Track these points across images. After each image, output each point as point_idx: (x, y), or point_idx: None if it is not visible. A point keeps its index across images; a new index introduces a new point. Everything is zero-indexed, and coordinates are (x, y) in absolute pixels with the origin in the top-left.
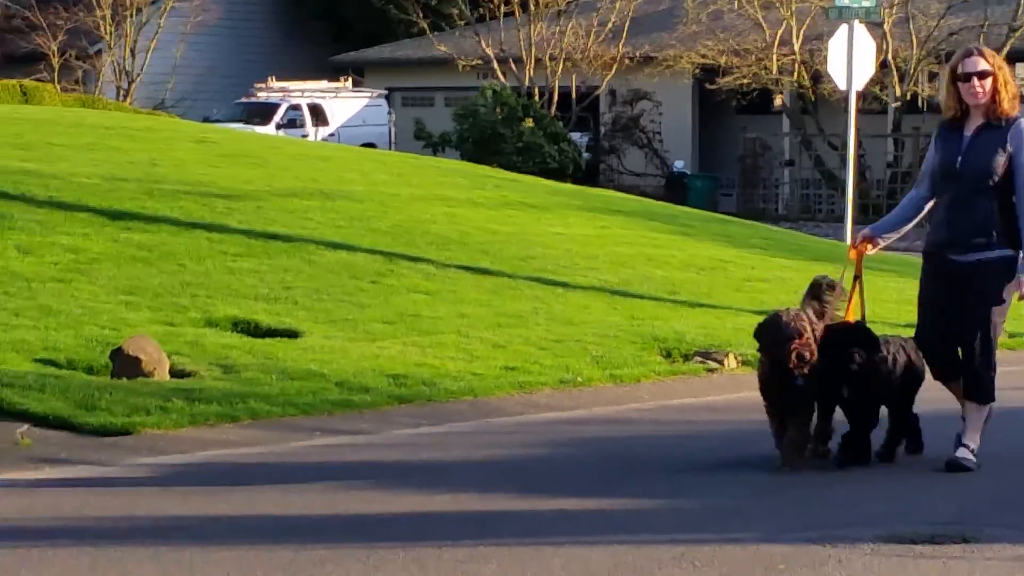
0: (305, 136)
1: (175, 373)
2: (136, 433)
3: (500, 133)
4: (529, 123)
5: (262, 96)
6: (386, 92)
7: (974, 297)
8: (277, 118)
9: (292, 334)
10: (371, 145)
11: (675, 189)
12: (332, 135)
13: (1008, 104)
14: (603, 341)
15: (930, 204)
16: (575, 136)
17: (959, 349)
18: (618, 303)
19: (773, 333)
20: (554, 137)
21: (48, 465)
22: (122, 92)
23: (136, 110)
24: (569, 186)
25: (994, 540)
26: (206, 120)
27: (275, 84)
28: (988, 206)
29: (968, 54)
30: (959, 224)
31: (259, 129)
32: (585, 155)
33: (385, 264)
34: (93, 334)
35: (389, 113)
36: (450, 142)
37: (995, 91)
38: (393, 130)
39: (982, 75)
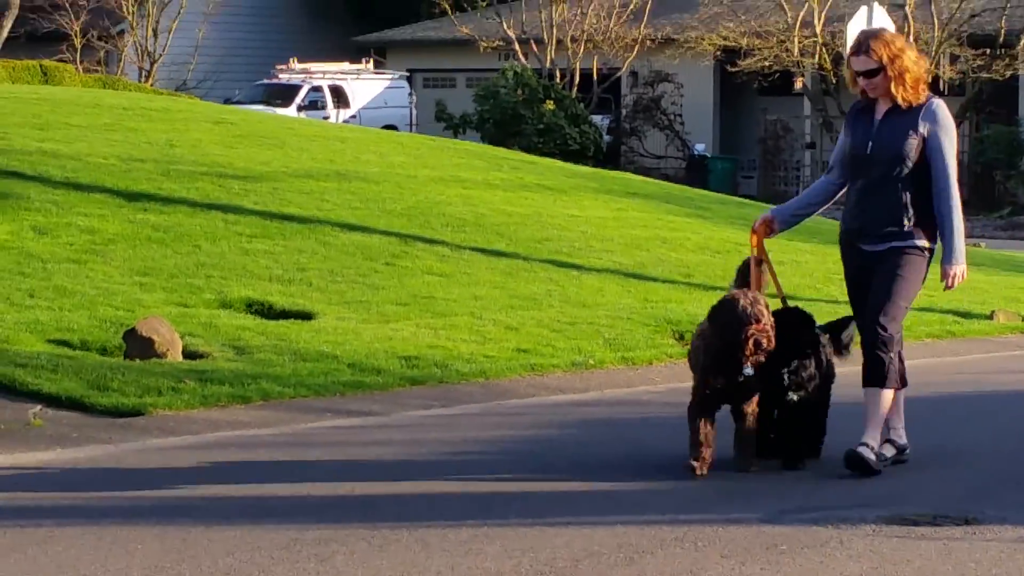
0: (326, 118)
1: (188, 354)
2: (148, 414)
3: (521, 114)
4: (550, 105)
5: (283, 78)
6: (407, 74)
7: (877, 277)
8: (298, 100)
9: (306, 316)
10: (392, 127)
11: (696, 171)
12: (353, 117)
13: (909, 94)
14: (616, 323)
15: (841, 192)
16: (596, 118)
17: None
18: (632, 286)
19: (730, 315)
20: (575, 119)
21: (60, 445)
22: (144, 73)
23: (157, 91)
24: (586, 168)
25: (996, 521)
26: (227, 101)
27: (297, 66)
28: (900, 193)
29: (855, 50)
30: (871, 212)
31: (280, 111)
32: (606, 137)
33: (400, 246)
34: (107, 315)
35: (410, 95)
36: (471, 124)
37: (888, 85)
38: (414, 112)
39: (869, 74)
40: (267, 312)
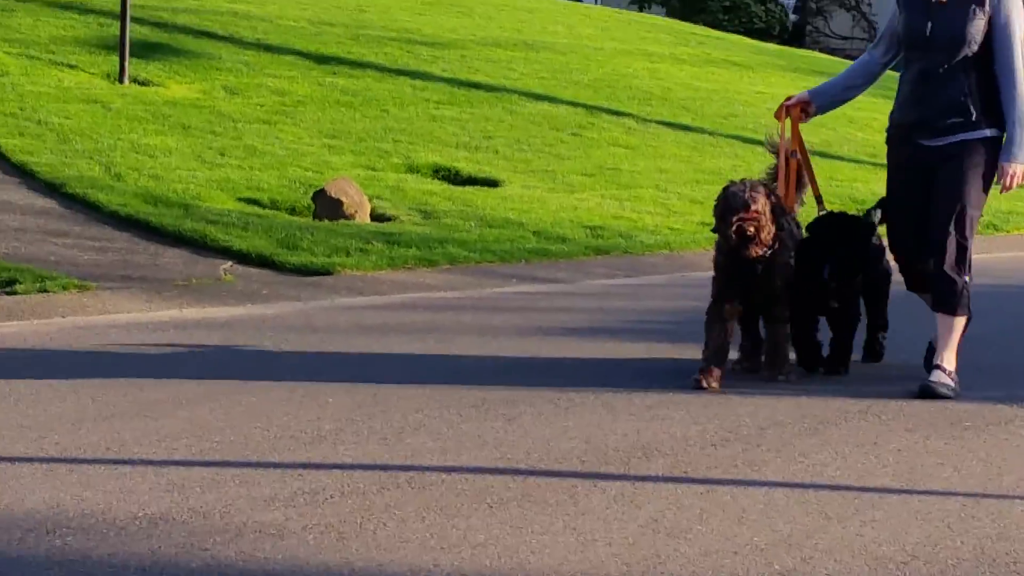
0: None
1: (375, 216)
2: (336, 273)
3: None
4: None
5: None
6: None
7: (945, 182)
8: None
9: (492, 183)
10: None
11: None
12: None
13: None
14: None
15: (884, 71)
16: None
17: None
18: (818, 164)
19: (720, 202)
20: None
21: (249, 301)
22: None
23: None
24: (773, 46)
25: None
26: None
27: None
28: (966, 80)
29: None
30: (931, 101)
31: None
32: (792, 16)
33: (586, 117)
34: (296, 175)
35: None
36: None
37: None
38: None
39: None
40: (453, 178)
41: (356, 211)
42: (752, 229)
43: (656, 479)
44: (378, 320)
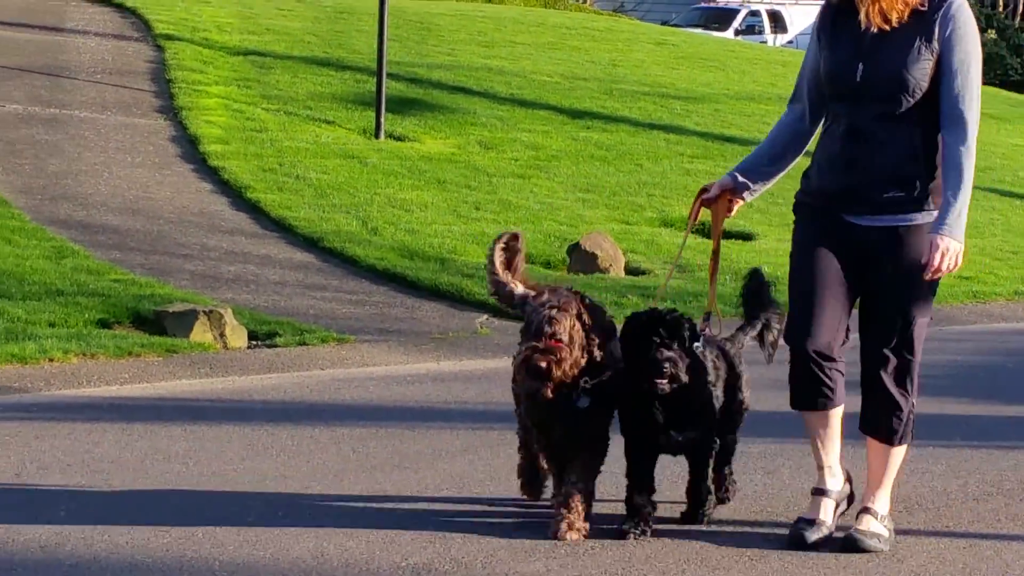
0: (763, 42)
1: (629, 270)
2: None
3: None
4: (991, 34)
5: (721, 1)
6: None
7: (885, 286)
8: (736, 24)
9: (746, 236)
10: None
11: None
12: (790, 42)
13: None
14: None
15: (815, 131)
16: None
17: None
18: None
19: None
20: (1017, 49)
21: (506, 354)
22: None
23: (597, 11)
24: None
25: None
26: (664, 24)
27: None
28: (910, 140)
29: None
30: (864, 166)
31: (717, 34)
32: None
33: None
34: (551, 229)
35: None
36: None
37: None
38: None
39: None
40: (708, 232)
41: (611, 265)
42: (545, 363)
43: (918, 533)
44: None
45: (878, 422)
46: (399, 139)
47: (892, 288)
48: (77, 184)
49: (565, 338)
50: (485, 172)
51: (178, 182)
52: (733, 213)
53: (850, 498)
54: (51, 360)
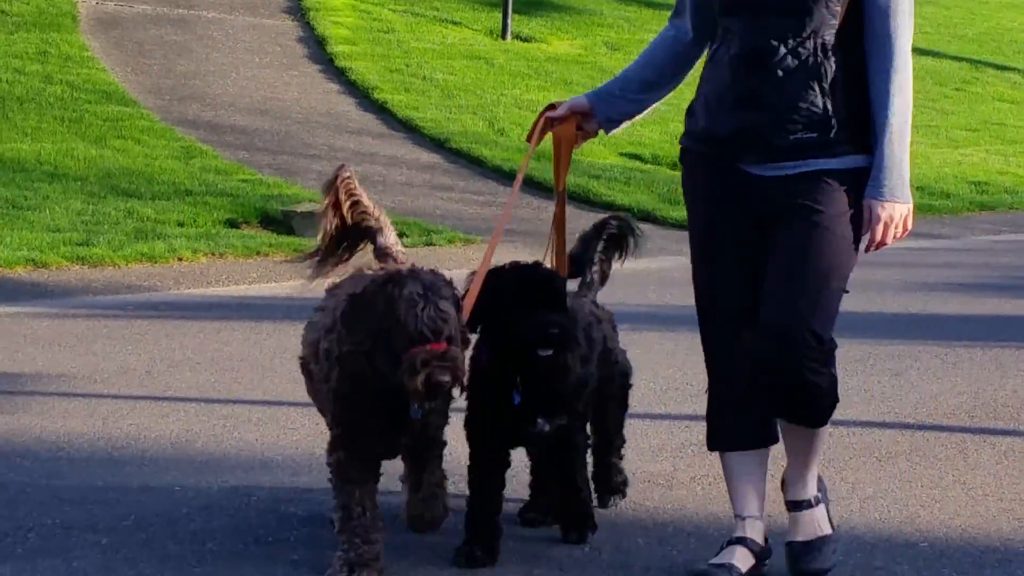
0: None
1: None
2: None
3: None
4: None
5: None
6: None
7: (793, 246)
8: None
9: None
10: None
11: None
12: None
13: None
14: None
15: (702, 54)
16: None
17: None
18: None
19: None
20: None
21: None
22: None
23: None
24: None
25: None
26: None
27: None
28: (822, 72)
29: None
30: (764, 102)
31: None
32: None
33: (971, 72)
34: (678, 130)
35: None
36: None
37: None
38: None
39: None
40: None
41: None
42: (448, 378)
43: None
44: None
45: (804, 408)
46: (526, 40)
47: (803, 252)
48: (205, 85)
49: (460, 339)
50: (612, 73)
51: (305, 83)
52: (579, 144)
53: None
54: (180, 259)
